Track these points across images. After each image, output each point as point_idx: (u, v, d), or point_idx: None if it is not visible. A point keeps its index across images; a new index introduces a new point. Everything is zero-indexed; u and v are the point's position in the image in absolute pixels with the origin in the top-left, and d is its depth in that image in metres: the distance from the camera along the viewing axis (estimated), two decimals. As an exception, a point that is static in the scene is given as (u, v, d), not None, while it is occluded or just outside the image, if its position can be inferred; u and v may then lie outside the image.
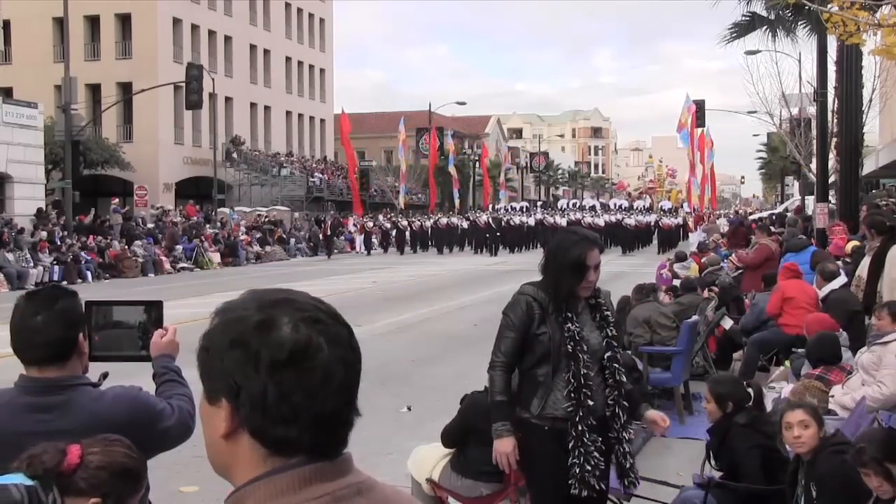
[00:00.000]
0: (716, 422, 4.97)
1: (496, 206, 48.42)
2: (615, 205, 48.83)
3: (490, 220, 40.87)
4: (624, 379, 3.94)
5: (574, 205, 50.16)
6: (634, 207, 46.94)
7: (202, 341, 1.27)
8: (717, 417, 4.88)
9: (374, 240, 40.84)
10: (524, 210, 45.58)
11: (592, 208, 48.06)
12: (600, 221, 41.63)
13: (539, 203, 52.50)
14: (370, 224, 41.79)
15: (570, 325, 3.82)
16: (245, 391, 1.21)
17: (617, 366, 3.90)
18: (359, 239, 40.99)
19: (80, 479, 2.20)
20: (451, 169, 50.96)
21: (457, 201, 50.92)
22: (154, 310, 2.93)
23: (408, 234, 41.98)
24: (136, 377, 2.87)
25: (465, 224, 42.99)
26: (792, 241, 12.39)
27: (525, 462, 4.09)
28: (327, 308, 1.28)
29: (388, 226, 42.32)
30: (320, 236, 39.14)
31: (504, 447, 3.94)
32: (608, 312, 3.96)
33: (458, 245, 42.77)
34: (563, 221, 41.87)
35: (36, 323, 2.57)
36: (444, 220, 42.84)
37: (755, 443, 4.67)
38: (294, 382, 1.20)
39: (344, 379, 1.23)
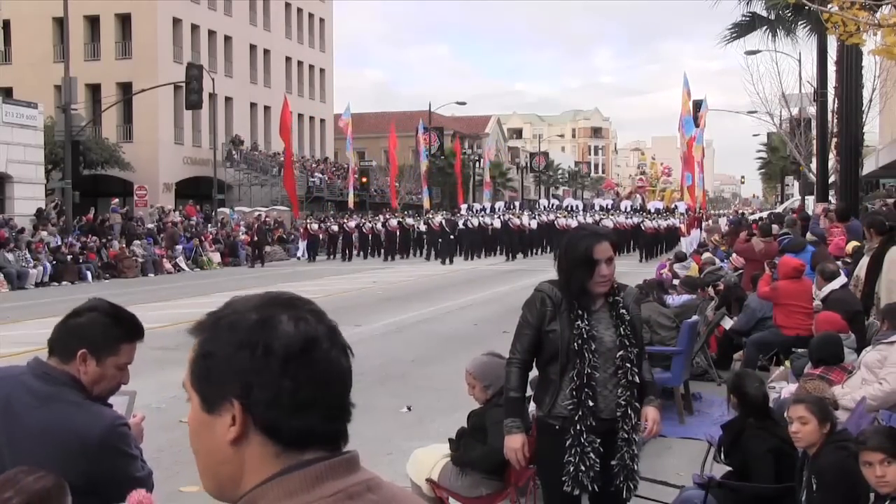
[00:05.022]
0: (731, 419, 4.96)
1: (456, 207, 42.82)
2: (598, 205, 45.54)
3: (444, 221, 35.25)
4: (637, 379, 3.88)
5: (551, 205, 46.48)
6: (621, 208, 43.53)
7: (200, 349, 1.27)
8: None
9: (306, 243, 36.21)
10: (488, 211, 40.39)
11: (570, 209, 44.20)
12: (573, 223, 35.57)
13: (506, 203, 48.65)
14: (315, 226, 36.73)
15: (579, 322, 3.80)
16: (259, 388, 1.22)
17: (630, 365, 3.85)
18: (302, 244, 36.77)
19: None
20: (422, 165, 47.35)
21: (425, 201, 46.23)
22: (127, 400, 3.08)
23: (356, 237, 37.08)
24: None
25: (423, 227, 37.25)
26: (791, 241, 12.35)
27: (537, 460, 4.10)
28: (314, 305, 1.31)
29: (336, 228, 37.51)
30: (251, 241, 34.24)
31: (514, 443, 3.96)
32: (624, 311, 3.90)
33: (417, 250, 37.30)
34: (533, 223, 38.85)
35: (68, 317, 2.75)
36: (393, 222, 37.29)
37: (770, 446, 4.67)
38: (307, 373, 1.23)
39: (345, 368, 1.28)
